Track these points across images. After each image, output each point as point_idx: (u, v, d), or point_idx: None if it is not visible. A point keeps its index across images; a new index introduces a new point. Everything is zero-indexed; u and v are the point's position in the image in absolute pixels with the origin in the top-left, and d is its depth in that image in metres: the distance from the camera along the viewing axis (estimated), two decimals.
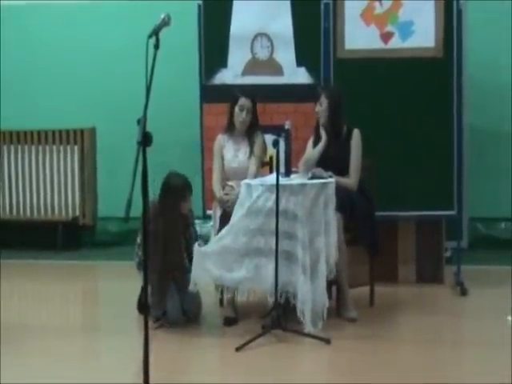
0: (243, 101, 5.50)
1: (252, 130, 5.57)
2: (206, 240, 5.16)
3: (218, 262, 4.90)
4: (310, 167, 5.32)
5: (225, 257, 4.92)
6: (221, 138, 5.65)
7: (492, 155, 7.50)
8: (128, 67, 7.31)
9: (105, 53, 8.10)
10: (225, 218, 5.30)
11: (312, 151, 5.52)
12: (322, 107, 5.47)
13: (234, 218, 4.96)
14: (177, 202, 5.12)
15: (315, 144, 5.54)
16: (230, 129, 5.61)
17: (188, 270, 5.04)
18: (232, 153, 5.60)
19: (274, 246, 4.73)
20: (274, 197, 4.76)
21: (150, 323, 5.10)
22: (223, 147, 5.62)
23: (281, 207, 4.77)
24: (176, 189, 5.14)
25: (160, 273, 5.06)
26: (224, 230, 4.97)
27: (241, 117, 5.51)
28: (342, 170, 5.37)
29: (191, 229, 5.28)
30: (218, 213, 5.49)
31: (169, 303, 5.12)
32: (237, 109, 5.51)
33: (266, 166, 5.67)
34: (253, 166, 5.51)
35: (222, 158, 5.62)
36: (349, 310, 5.17)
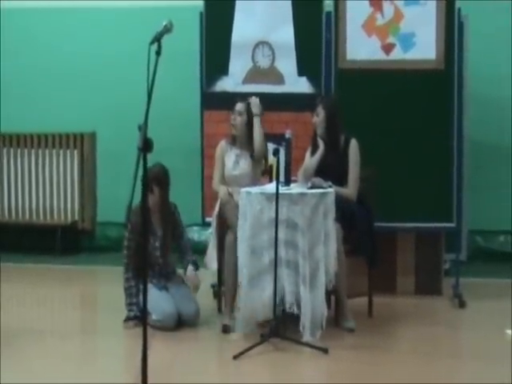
0: (238, 105, 5.54)
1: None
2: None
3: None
4: (309, 177, 5.32)
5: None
6: (224, 145, 5.66)
7: (491, 168, 7.50)
8: (129, 73, 7.32)
9: (107, 58, 8.11)
10: (221, 222, 5.34)
11: (310, 161, 5.52)
12: (318, 118, 5.47)
13: (240, 228, 5.00)
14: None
15: (313, 154, 5.54)
16: (233, 139, 5.63)
17: (173, 271, 5.33)
18: (233, 160, 5.60)
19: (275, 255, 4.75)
20: (274, 206, 4.76)
21: (126, 324, 5.16)
22: (225, 153, 5.63)
23: (281, 216, 4.77)
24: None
25: (134, 272, 5.18)
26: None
27: (232, 120, 5.54)
28: (339, 179, 5.37)
29: (177, 222, 5.36)
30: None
31: (165, 308, 5.14)
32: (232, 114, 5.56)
33: (266, 174, 5.67)
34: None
35: (223, 164, 5.62)
36: (347, 320, 5.16)
